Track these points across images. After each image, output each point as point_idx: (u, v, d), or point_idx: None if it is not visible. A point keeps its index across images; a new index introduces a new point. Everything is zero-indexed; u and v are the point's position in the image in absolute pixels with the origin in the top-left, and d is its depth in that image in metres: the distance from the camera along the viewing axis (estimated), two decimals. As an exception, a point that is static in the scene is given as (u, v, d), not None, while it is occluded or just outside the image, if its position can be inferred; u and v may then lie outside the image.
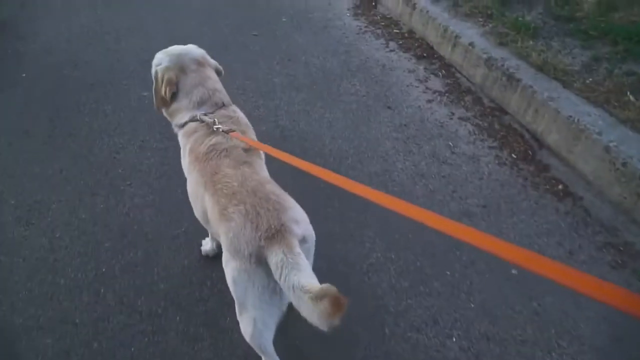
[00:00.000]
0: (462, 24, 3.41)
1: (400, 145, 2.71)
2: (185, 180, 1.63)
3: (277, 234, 1.21)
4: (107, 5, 4.67)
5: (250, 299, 1.27)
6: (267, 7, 4.52)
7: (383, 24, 4.05)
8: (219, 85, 1.73)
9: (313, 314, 1.06)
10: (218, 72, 1.82)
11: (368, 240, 2.13)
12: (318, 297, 1.04)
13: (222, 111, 1.65)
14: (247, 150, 1.50)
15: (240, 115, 1.71)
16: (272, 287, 1.24)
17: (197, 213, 1.56)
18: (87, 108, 3.17)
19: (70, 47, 3.98)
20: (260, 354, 1.45)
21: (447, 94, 3.11)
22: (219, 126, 1.53)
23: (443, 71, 3.33)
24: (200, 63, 1.72)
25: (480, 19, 3.41)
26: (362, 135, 2.79)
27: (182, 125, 1.66)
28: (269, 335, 1.37)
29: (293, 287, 1.11)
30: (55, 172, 2.64)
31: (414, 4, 3.83)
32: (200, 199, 1.47)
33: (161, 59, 1.72)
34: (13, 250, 2.18)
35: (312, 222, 1.37)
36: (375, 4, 4.39)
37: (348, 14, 4.28)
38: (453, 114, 2.94)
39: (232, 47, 3.84)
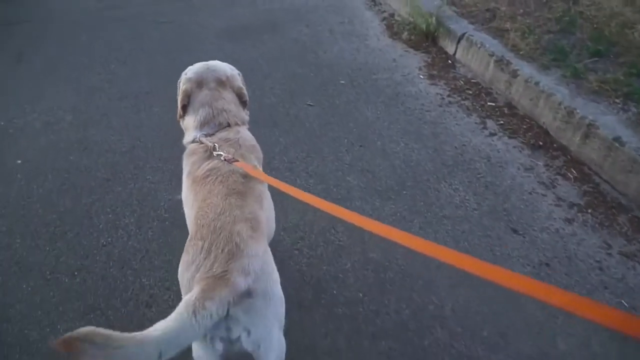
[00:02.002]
0: (592, 106, 2.72)
1: (550, 302, 1.98)
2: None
3: (212, 278, 1.18)
4: (122, 61, 4.02)
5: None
6: (319, 63, 3.86)
7: (470, 92, 3.37)
8: (230, 106, 1.70)
9: None
10: (240, 97, 1.78)
11: None
12: None
13: (223, 133, 1.63)
14: (246, 176, 1.47)
15: (244, 136, 1.67)
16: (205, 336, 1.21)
17: None
18: (102, 220, 2.48)
19: (78, 119, 3.32)
20: None
21: (590, 211, 2.40)
22: (220, 153, 1.51)
23: (573, 171, 2.63)
24: (221, 82, 1.73)
25: (617, 100, 2.73)
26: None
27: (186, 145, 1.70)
28: None
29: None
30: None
31: (514, 70, 3.15)
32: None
33: (189, 69, 1.79)
34: None
35: None
36: (453, 63, 3.71)
37: (421, 76, 3.61)
38: (609, 246, 2.22)
39: (284, 122, 3.16)
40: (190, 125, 1.70)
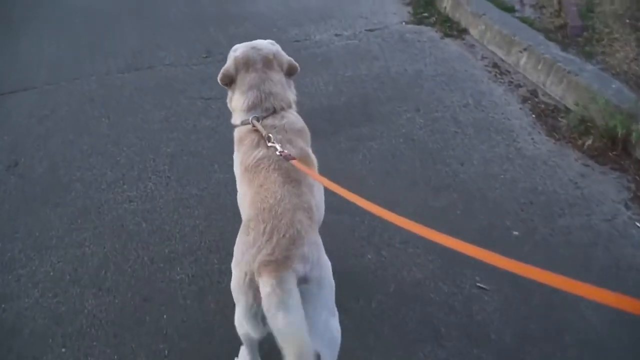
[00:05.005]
0: None
1: None
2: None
3: (275, 263, 1.24)
4: (162, 175, 2.81)
5: (238, 308, 1.38)
6: (461, 188, 2.63)
7: None
8: (277, 88, 1.75)
9: None
10: (291, 70, 1.85)
11: None
12: None
13: (269, 120, 1.68)
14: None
15: (290, 121, 1.70)
16: (254, 312, 1.30)
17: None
18: None
19: (105, 305, 2.11)
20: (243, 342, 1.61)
21: None
22: (275, 144, 1.56)
23: None
24: (267, 61, 1.77)
25: None
26: None
27: (235, 127, 1.79)
28: (254, 336, 1.41)
29: (278, 331, 1.16)
30: None
31: None
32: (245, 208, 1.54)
33: (237, 48, 1.84)
34: None
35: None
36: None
37: (638, 223, 2.34)
38: None
39: (450, 332, 1.93)
40: (238, 107, 1.76)
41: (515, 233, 2.34)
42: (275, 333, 1.17)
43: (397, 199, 2.55)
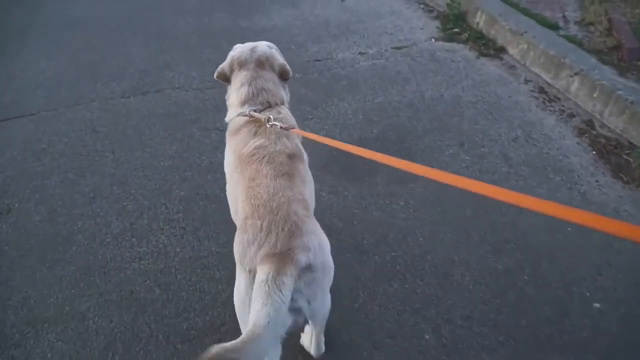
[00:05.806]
0: None
1: None
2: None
3: (279, 254, 1.26)
4: (176, 225, 2.42)
5: (247, 317, 1.27)
6: (524, 247, 2.26)
7: None
8: (269, 85, 1.79)
9: None
10: (283, 73, 1.86)
11: None
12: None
13: (266, 113, 1.68)
14: (292, 156, 1.56)
15: (286, 116, 1.74)
16: None
17: (233, 213, 1.65)
18: None
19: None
20: None
21: None
22: (275, 123, 1.58)
23: None
24: (260, 62, 1.82)
25: None
26: None
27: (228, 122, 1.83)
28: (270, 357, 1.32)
29: (251, 315, 1.18)
30: None
31: None
32: (239, 202, 1.52)
33: (236, 48, 1.90)
34: None
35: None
36: None
37: None
38: None
39: None
40: (233, 102, 1.81)
41: (597, 305, 1.99)
42: (250, 316, 1.17)
43: (452, 257, 2.21)
